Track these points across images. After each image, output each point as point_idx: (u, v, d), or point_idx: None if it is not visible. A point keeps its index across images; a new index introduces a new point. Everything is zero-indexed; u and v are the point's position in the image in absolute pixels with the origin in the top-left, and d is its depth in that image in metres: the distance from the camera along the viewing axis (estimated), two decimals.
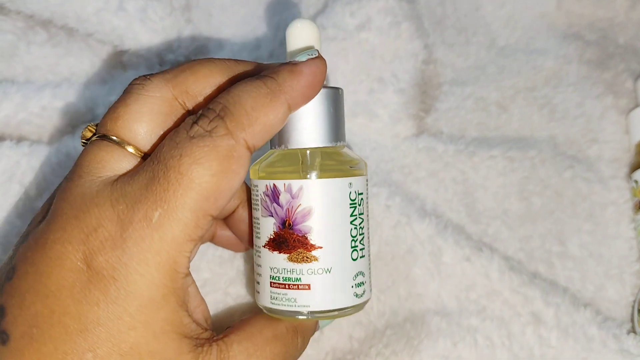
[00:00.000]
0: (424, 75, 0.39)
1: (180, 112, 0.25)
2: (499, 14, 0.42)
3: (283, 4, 0.41)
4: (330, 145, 0.27)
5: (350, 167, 0.27)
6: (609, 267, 0.36)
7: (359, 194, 0.27)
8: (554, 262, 0.35)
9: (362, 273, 0.27)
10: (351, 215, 0.27)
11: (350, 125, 0.38)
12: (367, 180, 0.28)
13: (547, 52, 0.41)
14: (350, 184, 0.26)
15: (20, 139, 0.36)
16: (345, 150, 0.28)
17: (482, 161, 0.37)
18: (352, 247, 0.27)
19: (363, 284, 0.27)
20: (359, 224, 0.27)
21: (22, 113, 0.36)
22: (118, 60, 0.38)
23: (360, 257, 0.27)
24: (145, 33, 0.37)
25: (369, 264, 0.28)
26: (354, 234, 0.27)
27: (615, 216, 0.37)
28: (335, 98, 0.27)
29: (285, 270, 0.26)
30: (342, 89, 0.27)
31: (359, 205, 0.27)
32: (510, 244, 0.36)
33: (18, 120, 0.36)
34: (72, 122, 0.37)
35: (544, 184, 0.37)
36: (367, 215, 0.28)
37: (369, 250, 0.28)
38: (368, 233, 0.28)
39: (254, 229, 0.28)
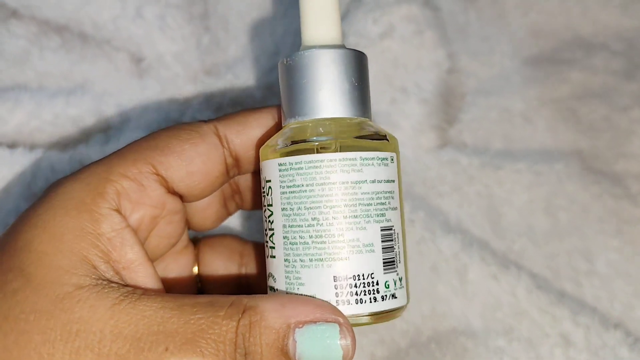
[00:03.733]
0: (447, 85, 0.38)
1: None
2: (523, 22, 0.41)
3: None
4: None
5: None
6: (637, 286, 0.35)
7: (267, 181, 0.24)
8: (581, 281, 0.35)
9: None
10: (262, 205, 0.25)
11: None
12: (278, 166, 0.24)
13: (572, 62, 0.40)
14: (261, 169, 0.24)
15: (33, 147, 0.35)
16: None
17: (507, 175, 0.36)
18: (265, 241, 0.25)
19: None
20: (268, 217, 0.24)
21: (35, 121, 0.35)
22: (134, 68, 0.37)
23: (269, 256, 0.24)
24: (164, 41, 0.36)
25: (282, 265, 0.24)
26: (264, 226, 0.24)
27: None
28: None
29: None
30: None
31: (267, 194, 0.24)
32: (536, 261, 0.35)
33: (31, 128, 0.35)
34: (85, 130, 0.36)
35: (570, 199, 0.36)
36: (285, 219, 0.23)
37: (278, 253, 0.24)
38: (282, 235, 0.23)
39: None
